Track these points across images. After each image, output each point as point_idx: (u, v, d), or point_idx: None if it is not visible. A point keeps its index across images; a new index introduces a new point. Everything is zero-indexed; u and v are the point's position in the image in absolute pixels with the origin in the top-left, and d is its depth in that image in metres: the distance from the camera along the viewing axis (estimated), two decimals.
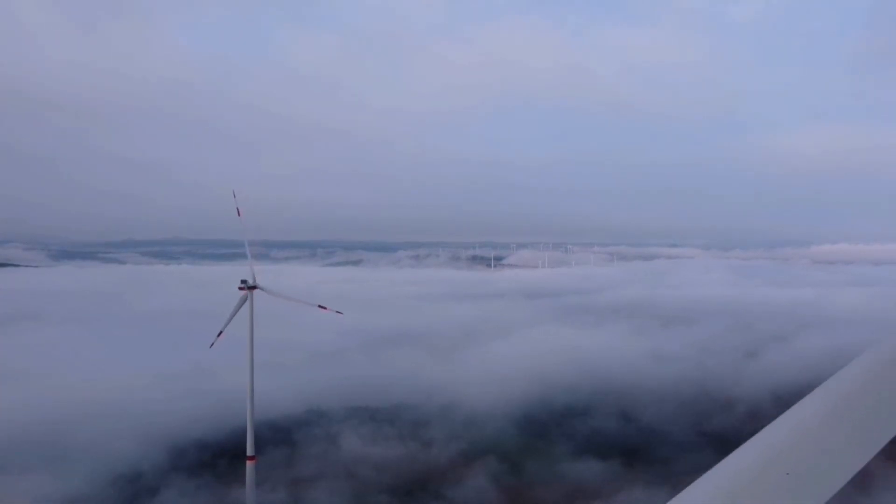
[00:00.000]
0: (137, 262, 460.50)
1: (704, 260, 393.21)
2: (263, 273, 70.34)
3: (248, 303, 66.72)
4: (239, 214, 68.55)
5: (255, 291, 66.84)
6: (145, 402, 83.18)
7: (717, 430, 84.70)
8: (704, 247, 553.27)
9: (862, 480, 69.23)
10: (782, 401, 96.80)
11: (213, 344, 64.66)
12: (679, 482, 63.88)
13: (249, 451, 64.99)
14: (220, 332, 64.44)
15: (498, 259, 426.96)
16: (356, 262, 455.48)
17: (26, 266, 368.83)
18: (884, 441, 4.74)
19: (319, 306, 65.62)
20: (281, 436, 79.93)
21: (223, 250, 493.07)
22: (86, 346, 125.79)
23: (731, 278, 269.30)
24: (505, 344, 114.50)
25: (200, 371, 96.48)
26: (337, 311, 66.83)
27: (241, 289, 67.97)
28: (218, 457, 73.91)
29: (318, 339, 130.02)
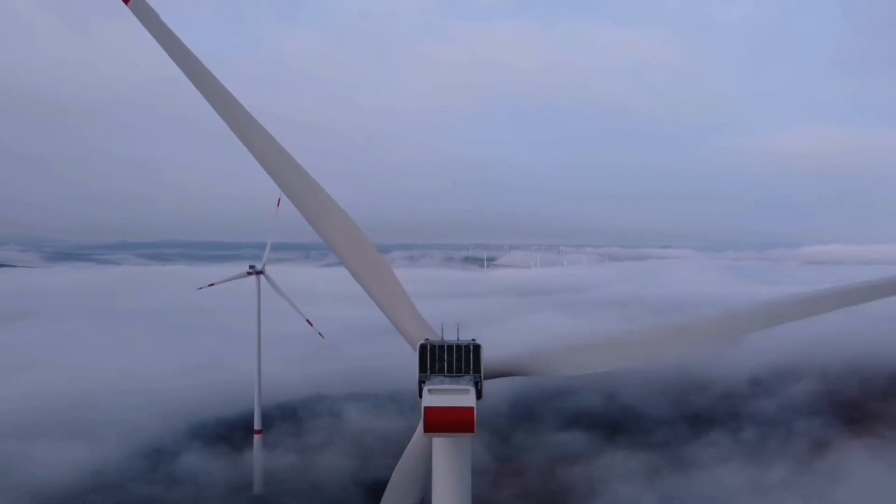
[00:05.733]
0: (133, 263, 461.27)
1: (696, 261, 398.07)
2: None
3: (256, 287, 71.68)
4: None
5: (262, 277, 71.87)
6: (168, 390, 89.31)
7: (693, 409, 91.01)
8: (697, 248, 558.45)
9: (821, 449, 75.05)
10: (760, 383, 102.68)
11: (321, 335, 71.47)
12: (654, 451, 69.71)
13: (257, 425, 70.32)
14: (308, 321, 69.88)
15: (490, 260, 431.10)
16: None
17: (22, 267, 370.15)
18: None
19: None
20: (288, 413, 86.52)
21: (217, 252, 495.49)
22: (92, 341, 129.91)
23: (720, 278, 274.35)
24: (497, 331, 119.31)
25: (211, 360, 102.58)
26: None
27: (249, 274, 72.92)
28: (233, 430, 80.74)
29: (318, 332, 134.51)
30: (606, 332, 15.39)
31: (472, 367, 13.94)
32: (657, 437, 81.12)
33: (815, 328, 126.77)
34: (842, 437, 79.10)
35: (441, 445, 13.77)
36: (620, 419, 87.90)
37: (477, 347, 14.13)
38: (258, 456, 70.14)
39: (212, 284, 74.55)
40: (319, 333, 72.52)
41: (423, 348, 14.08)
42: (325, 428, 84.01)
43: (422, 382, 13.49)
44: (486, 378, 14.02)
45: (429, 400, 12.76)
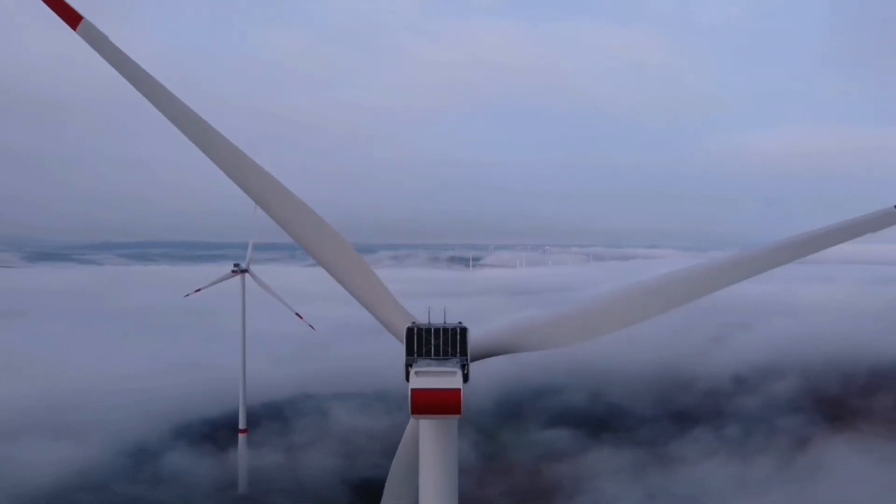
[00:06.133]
0: (114, 263, 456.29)
1: (681, 260, 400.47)
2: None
3: (241, 286, 71.38)
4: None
5: (247, 276, 71.58)
6: (153, 389, 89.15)
7: (677, 406, 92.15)
8: (683, 248, 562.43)
9: (803, 445, 76.22)
10: (743, 381, 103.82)
11: (312, 326, 72.04)
12: (639, 448, 70.38)
13: (241, 424, 70.17)
14: (298, 314, 69.77)
15: (476, 260, 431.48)
16: None
17: (2, 267, 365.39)
18: None
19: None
20: (274, 413, 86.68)
21: (201, 252, 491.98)
22: (76, 340, 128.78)
23: None
24: (482, 329, 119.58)
25: (196, 359, 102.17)
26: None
27: (234, 272, 72.51)
28: (217, 429, 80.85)
29: (305, 331, 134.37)
30: (587, 303, 15.45)
31: (458, 350, 14.04)
32: (642, 434, 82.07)
33: (798, 328, 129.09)
34: (823, 433, 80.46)
35: (427, 428, 13.88)
36: (606, 417, 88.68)
37: (464, 330, 14.24)
38: (243, 455, 70.06)
39: (198, 290, 74.11)
40: (310, 325, 72.49)
41: (409, 331, 14.18)
42: (312, 427, 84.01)
43: (409, 366, 13.58)
44: (473, 360, 14.15)
45: (416, 382, 12.84)
